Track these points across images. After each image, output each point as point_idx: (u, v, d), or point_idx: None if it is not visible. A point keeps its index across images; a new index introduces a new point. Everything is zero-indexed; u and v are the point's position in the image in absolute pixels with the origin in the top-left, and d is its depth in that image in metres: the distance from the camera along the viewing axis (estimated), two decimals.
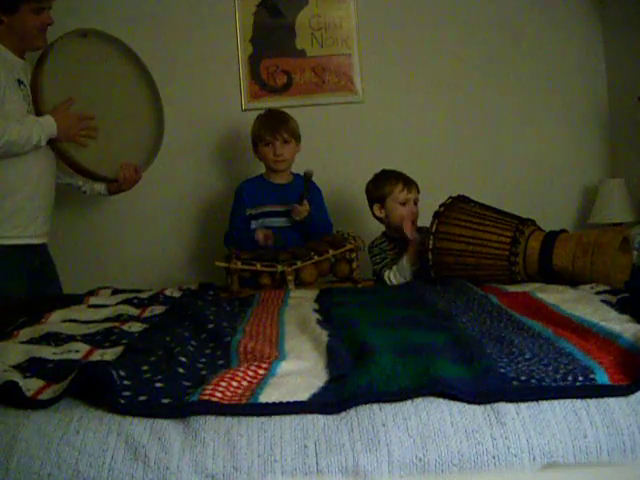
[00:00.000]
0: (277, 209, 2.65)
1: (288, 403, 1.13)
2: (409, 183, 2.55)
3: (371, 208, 2.61)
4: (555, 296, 1.82)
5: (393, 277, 2.40)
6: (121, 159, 2.54)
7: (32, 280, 2.38)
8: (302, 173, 2.63)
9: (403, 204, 2.52)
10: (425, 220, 2.45)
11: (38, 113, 2.32)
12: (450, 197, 2.31)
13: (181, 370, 1.32)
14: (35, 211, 2.33)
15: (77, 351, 1.50)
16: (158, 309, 2.02)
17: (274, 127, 2.64)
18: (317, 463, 1.06)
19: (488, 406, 1.12)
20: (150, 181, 2.77)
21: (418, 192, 2.57)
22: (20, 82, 2.30)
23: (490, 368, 1.22)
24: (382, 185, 2.57)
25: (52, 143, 2.36)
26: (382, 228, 2.64)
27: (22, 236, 2.31)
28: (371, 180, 2.62)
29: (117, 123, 2.56)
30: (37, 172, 2.32)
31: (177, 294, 2.28)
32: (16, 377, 1.23)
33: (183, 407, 1.12)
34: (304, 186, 2.59)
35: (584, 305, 1.68)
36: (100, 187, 2.63)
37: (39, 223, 2.36)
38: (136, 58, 2.63)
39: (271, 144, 2.64)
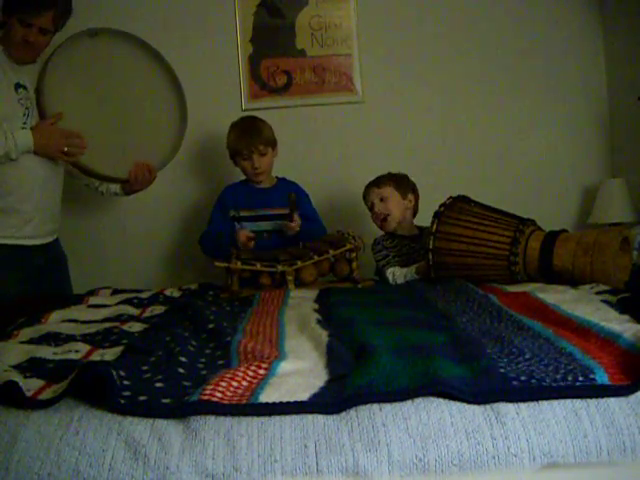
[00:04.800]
0: (261, 213, 2.65)
1: (288, 403, 1.13)
2: (368, 186, 2.64)
3: None
4: (555, 296, 1.82)
5: (397, 276, 2.39)
6: (135, 158, 2.51)
7: (35, 279, 2.38)
8: (288, 195, 2.57)
9: (370, 209, 2.63)
10: (425, 220, 2.45)
11: (41, 116, 2.32)
12: (450, 197, 2.32)
13: (181, 370, 1.32)
14: (31, 212, 2.32)
15: (77, 351, 1.50)
16: (158, 309, 2.02)
17: (250, 141, 2.62)
18: (317, 463, 1.06)
19: (488, 406, 1.12)
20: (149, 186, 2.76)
21: (382, 187, 2.60)
22: (19, 85, 2.30)
23: (490, 368, 1.22)
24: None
25: None
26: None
27: (16, 236, 2.30)
28: None
29: (133, 123, 2.53)
30: (34, 174, 2.31)
31: (177, 294, 2.28)
32: (16, 377, 1.23)
33: (183, 407, 1.12)
34: (291, 206, 2.55)
35: (584, 305, 1.69)
36: (115, 187, 2.62)
37: (36, 224, 2.35)
38: (159, 56, 2.60)
39: (248, 158, 2.64)
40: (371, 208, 2.61)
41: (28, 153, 2.26)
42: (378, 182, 2.62)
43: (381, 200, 2.58)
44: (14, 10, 2.23)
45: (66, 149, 2.32)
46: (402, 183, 2.62)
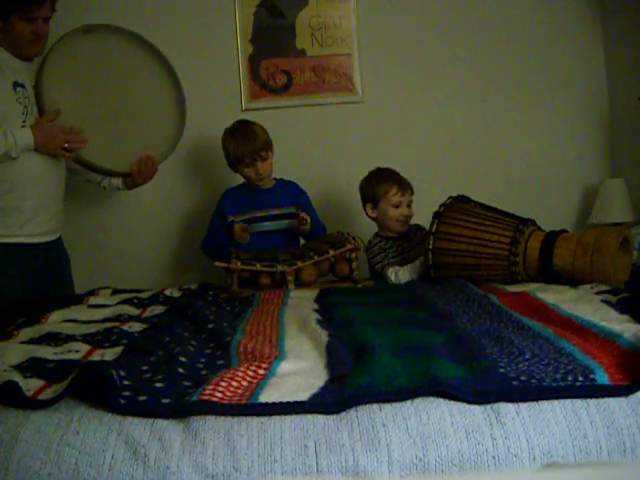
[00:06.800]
0: (263, 214, 2.65)
1: (288, 403, 1.13)
2: (404, 186, 2.55)
3: (364, 207, 2.61)
4: (555, 296, 1.82)
5: (401, 275, 2.38)
6: (136, 152, 2.51)
7: (36, 278, 2.38)
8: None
9: (396, 207, 2.53)
10: (425, 220, 2.45)
11: (41, 113, 2.32)
12: (450, 197, 2.32)
13: (181, 370, 1.32)
14: (32, 211, 2.32)
15: (77, 351, 1.50)
16: (158, 309, 2.02)
17: (251, 148, 2.59)
18: (317, 463, 1.06)
19: (488, 406, 1.12)
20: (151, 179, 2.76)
21: (412, 194, 2.58)
22: (18, 84, 2.30)
23: (490, 368, 1.22)
24: (376, 186, 2.57)
25: None
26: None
27: (16, 235, 2.29)
28: (365, 179, 2.62)
29: (133, 116, 2.53)
30: (35, 172, 2.31)
31: (177, 294, 2.28)
32: (16, 377, 1.23)
33: (183, 407, 1.12)
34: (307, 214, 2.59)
35: (584, 305, 1.69)
36: (117, 182, 2.62)
37: (37, 222, 2.35)
38: (154, 49, 2.60)
39: (251, 165, 2.62)
40: (397, 205, 2.53)
41: (29, 151, 2.26)
42: (412, 188, 2.59)
43: (407, 205, 2.56)
44: (13, 10, 2.22)
45: (66, 145, 2.33)
46: None
